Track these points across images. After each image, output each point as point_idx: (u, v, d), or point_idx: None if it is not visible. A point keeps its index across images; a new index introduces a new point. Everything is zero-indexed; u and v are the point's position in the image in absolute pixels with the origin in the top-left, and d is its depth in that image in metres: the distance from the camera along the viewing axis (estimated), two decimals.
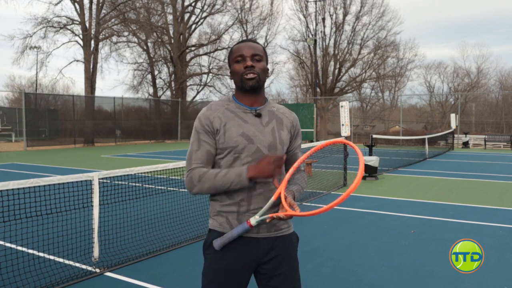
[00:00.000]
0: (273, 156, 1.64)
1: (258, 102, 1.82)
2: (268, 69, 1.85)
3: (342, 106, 10.09)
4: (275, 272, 1.77)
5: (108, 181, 4.53)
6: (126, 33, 28.18)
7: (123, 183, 4.73)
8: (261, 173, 1.64)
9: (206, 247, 1.81)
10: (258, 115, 1.79)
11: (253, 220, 1.65)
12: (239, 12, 32.64)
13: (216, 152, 1.78)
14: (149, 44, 31.11)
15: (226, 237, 1.69)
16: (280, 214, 1.61)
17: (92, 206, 3.99)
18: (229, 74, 1.81)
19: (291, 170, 1.74)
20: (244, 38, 32.79)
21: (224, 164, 1.75)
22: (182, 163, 4.78)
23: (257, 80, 1.75)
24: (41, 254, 4.10)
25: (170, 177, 6.20)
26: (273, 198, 1.66)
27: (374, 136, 11.40)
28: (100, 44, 26.41)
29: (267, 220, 1.65)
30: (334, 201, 1.47)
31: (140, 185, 5.13)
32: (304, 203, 7.03)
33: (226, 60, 1.82)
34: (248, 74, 1.74)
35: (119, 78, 77.96)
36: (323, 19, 32.85)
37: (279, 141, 1.79)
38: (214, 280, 1.75)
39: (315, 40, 29.58)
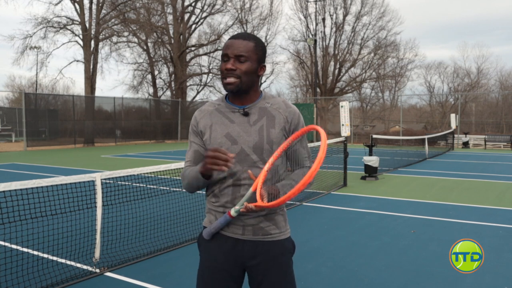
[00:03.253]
0: (212, 150, 1.55)
1: (249, 100, 1.76)
2: (257, 67, 1.71)
3: (342, 106, 10.10)
4: (263, 278, 1.72)
5: (111, 181, 4.54)
6: (126, 33, 28.17)
7: (125, 183, 4.74)
8: (205, 169, 1.60)
9: (199, 243, 1.85)
10: (246, 114, 1.73)
11: (233, 211, 1.64)
12: (239, 12, 32.64)
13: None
14: (149, 44, 31.10)
15: (213, 226, 1.72)
16: (251, 205, 1.56)
17: (95, 207, 4.00)
18: None
19: (266, 166, 1.63)
20: None
21: None
22: (184, 164, 4.78)
23: (237, 85, 1.67)
24: (42, 255, 4.11)
25: (173, 177, 6.21)
26: (250, 190, 1.61)
27: (374, 136, 11.41)
28: (100, 44, 26.42)
29: (241, 210, 1.60)
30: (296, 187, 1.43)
31: (144, 185, 5.14)
32: (304, 203, 7.04)
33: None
34: (227, 78, 1.68)
35: (119, 78, 78.00)
36: (323, 19, 32.86)
37: (267, 140, 1.70)
38: (203, 278, 1.77)
39: (315, 40, 29.57)
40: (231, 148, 1.69)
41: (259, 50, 1.72)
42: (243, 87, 1.69)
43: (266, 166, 1.63)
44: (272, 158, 1.65)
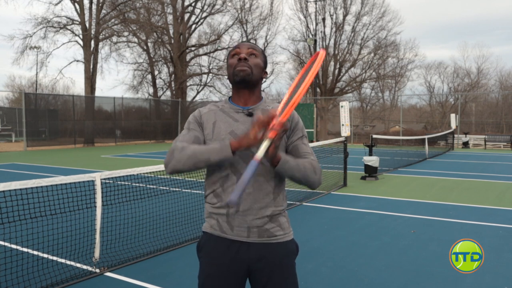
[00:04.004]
0: (256, 124, 1.49)
1: (252, 101, 1.79)
2: (263, 67, 1.81)
3: (342, 106, 10.10)
4: (268, 281, 1.70)
5: (110, 181, 4.54)
6: (126, 33, 28.17)
7: (125, 183, 4.74)
8: (245, 140, 1.52)
9: (199, 249, 1.80)
10: (250, 114, 1.75)
11: (259, 153, 1.46)
12: (239, 12, 32.64)
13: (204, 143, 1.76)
14: (149, 44, 31.10)
15: (239, 185, 1.43)
16: (278, 120, 1.47)
17: (95, 207, 4.00)
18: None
19: (285, 98, 1.61)
20: (244, 38, 32.79)
21: None
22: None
23: (249, 74, 1.72)
24: (42, 255, 4.10)
25: (173, 177, 6.21)
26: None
27: (374, 136, 11.41)
28: (100, 44, 26.43)
29: (271, 135, 1.46)
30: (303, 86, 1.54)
31: (144, 185, 5.14)
32: (304, 203, 7.04)
33: (226, 60, 1.85)
34: (240, 66, 1.72)
35: (119, 78, 77.89)
36: (323, 19, 32.85)
37: None
38: (206, 284, 1.73)
39: (315, 40, 29.57)
40: None
41: (264, 57, 1.84)
42: (253, 79, 1.74)
43: (285, 98, 1.62)
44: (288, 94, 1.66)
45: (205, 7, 31.54)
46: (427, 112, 38.05)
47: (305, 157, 1.77)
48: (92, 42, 25.10)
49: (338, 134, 20.15)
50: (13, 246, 4.14)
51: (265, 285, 1.70)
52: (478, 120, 32.04)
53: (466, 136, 21.87)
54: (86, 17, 24.75)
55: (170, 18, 31.22)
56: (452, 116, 21.25)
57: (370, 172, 9.90)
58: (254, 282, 1.75)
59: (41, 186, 3.60)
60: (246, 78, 1.72)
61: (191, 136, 1.74)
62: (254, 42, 1.72)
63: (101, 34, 25.57)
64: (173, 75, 31.81)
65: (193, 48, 32.82)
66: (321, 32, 33.21)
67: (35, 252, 4.06)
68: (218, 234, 1.72)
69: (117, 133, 25.41)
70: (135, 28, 27.51)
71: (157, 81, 33.13)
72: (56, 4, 24.64)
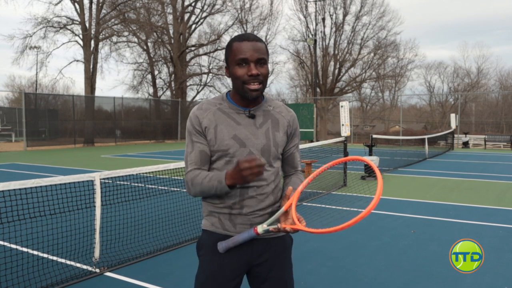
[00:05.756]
0: (247, 161, 1.50)
1: (255, 102, 1.71)
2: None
3: (342, 106, 10.10)
4: (268, 274, 1.73)
5: (110, 181, 4.53)
6: (126, 33, 28.16)
7: (124, 183, 4.74)
8: (237, 180, 1.55)
9: (199, 247, 1.80)
10: (252, 116, 1.69)
11: (260, 229, 1.60)
12: (239, 12, 32.62)
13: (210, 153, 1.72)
14: (149, 44, 31.08)
15: (232, 241, 1.64)
16: (287, 226, 1.57)
17: (94, 206, 4.00)
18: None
19: (305, 182, 1.66)
20: None
21: (216, 167, 1.70)
22: (183, 163, 4.79)
23: (261, 90, 1.65)
24: (41, 255, 4.10)
25: (172, 177, 6.21)
26: (283, 209, 1.60)
27: (374, 136, 11.40)
28: (100, 44, 26.41)
29: (271, 230, 1.59)
30: (345, 223, 1.54)
31: (143, 185, 5.13)
32: (304, 203, 7.03)
33: (226, 58, 1.71)
34: (252, 84, 1.61)
35: (119, 78, 78.06)
36: (323, 19, 32.85)
37: (273, 143, 1.70)
38: (206, 282, 1.72)
39: (315, 40, 29.56)
40: (239, 150, 1.66)
41: (267, 52, 1.71)
42: (263, 91, 1.69)
43: (300, 187, 1.65)
44: (306, 181, 1.68)
45: (205, 7, 31.57)
46: (427, 112, 38.05)
47: (296, 167, 1.86)
48: (92, 42, 25.09)
49: (338, 134, 20.15)
50: (13, 246, 4.14)
51: (266, 279, 1.74)
52: (478, 120, 32.03)
53: (466, 136, 21.86)
54: (86, 17, 24.74)
55: (170, 18, 31.21)
56: (452, 116, 21.24)
57: (370, 172, 9.89)
58: (253, 278, 1.77)
59: (41, 186, 3.60)
60: (258, 96, 1.66)
61: (196, 154, 1.70)
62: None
63: (101, 34, 25.56)
64: (173, 75, 31.81)
65: (193, 48, 32.81)
66: (321, 32, 33.23)
67: (35, 252, 4.06)
68: (220, 232, 1.73)
69: (117, 133, 25.41)
70: (135, 28, 27.50)
71: (157, 81, 33.14)
72: (56, 4, 24.64)
